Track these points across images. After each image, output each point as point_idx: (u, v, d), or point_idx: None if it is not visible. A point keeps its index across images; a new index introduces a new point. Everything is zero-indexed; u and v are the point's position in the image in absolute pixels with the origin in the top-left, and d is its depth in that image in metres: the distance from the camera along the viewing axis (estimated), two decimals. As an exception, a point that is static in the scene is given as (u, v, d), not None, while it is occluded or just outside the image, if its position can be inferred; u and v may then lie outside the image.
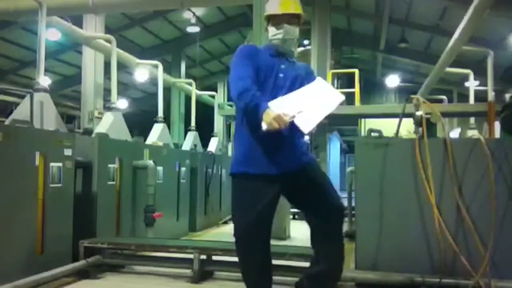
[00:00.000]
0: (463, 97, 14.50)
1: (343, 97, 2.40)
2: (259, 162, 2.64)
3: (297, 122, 2.37)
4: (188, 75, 17.55)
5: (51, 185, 4.11)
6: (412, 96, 4.07)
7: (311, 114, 2.38)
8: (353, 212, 6.31)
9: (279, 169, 2.64)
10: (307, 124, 2.36)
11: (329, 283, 2.79)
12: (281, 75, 2.71)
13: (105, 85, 11.51)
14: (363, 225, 4.07)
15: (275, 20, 2.78)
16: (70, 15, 10.23)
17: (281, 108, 2.38)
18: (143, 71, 13.73)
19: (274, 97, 2.56)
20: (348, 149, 22.37)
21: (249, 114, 2.57)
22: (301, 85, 2.69)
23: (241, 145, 2.74)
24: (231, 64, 2.76)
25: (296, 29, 2.80)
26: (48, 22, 7.54)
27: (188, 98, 15.17)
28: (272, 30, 2.79)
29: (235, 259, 3.91)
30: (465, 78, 12.71)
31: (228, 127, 13.37)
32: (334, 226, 2.73)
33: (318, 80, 2.63)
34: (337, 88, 13.28)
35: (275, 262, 3.98)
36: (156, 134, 8.03)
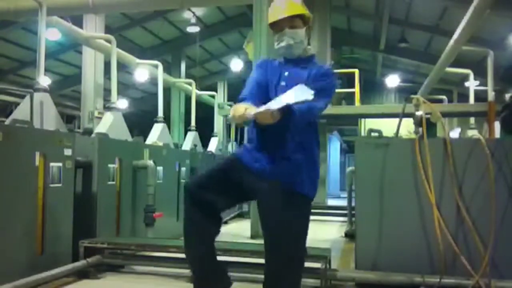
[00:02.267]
0: (463, 97, 14.49)
1: (311, 96, 2.20)
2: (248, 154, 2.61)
3: (257, 110, 2.25)
4: (188, 75, 17.55)
5: (51, 185, 4.11)
6: (412, 96, 4.07)
7: (271, 105, 2.25)
8: (353, 212, 6.31)
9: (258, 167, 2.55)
10: (262, 108, 2.24)
11: None
12: (283, 83, 2.60)
13: (105, 85, 11.51)
14: (363, 225, 4.07)
15: (275, 27, 2.64)
16: (70, 15, 10.24)
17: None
18: (143, 71, 13.73)
19: None
20: (348, 149, 22.37)
21: None
22: None
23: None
24: None
25: (298, 31, 2.61)
26: (48, 22, 7.55)
27: (188, 98, 15.18)
28: (275, 38, 2.66)
29: (235, 259, 3.93)
30: (465, 78, 12.71)
31: (228, 127, 13.37)
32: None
33: (299, 85, 2.35)
34: (337, 88, 13.29)
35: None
36: (156, 134, 8.03)
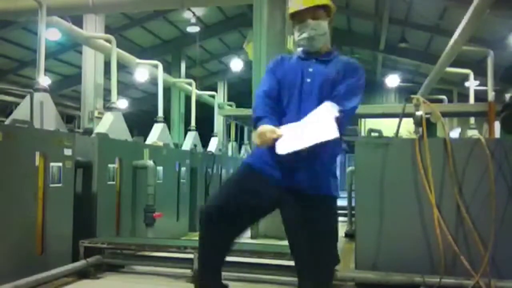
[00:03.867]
0: (463, 97, 14.50)
1: (336, 135, 2.15)
2: (266, 160, 2.40)
3: (277, 142, 2.26)
4: (188, 75, 17.54)
5: (51, 185, 4.11)
6: (412, 96, 4.07)
7: (295, 140, 2.23)
8: (353, 212, 6.31)
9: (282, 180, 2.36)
10: (283, 147, 2.23)
11: None
12: (308, 80, 2.42)
13: (105, 85, 11.51)
14: (363, 225, 4.07)
15: (297, 17, 2.47)
16: (70, 15, 10.23)
17: (286, 131, 2.27)
18: (143, 71, 13.72)
19: (301, 105, 2.37)
20: (348, 149, 22.31)
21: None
22: (332, 88, 2.39)
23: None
24: None
25: (322, 23, 2.45)
26: (48, 22, 7.53)
27: (188, 98, 15.16)
28: (296, 30, 2.49)
29: (235, 259, 3.93)
30: (465, 78, 12.70)
31: (228, 127, 13.36)
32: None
33: (326, 105, 2.27)
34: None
35: (276, 262, 4.02)
36: (156, 134, 8.03)
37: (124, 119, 7.03)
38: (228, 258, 2.52)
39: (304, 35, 2.45)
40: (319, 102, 2.31)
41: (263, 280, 4.05)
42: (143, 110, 21.66)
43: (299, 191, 2.32)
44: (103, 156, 5.00)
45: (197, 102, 11.57)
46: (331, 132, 2.15)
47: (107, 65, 10.33)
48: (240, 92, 17.18)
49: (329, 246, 2.36)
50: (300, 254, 2.34)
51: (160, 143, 7.06)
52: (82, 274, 4.16)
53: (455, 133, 12.93)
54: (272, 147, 2.27)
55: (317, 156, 2.29)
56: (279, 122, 2.35)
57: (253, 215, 2.55)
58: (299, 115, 2.33)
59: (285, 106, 2.44)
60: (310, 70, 2.45)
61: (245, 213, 2.42)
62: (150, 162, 5.62)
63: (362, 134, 8.72)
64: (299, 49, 2.56)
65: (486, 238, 3.63)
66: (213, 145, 10.89)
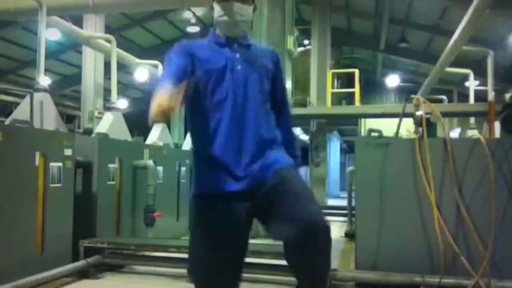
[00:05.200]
0: (463, 97, 14.51)
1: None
2: (214, 176, 1.97)
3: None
4: (188, 75, 17.53)
5: (51, 185, 4.11)
6: (412, 96, 4.07)
7: None
8: (353, 212, 6.31)
9: (244, 182, 1.94)
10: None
11: None
12: (239, 67, 2.03)
13: (105, 85, 11.52)
14: (363, 225, 4.06)
15: None
16: (70, 15, 10.23)
17: None
18: (143, 71, 13.72)
19: (234, 99, 1.98)
20: (348, 149, 22.36)
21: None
22: (273, 80, 2.14)
23: (194, 161, 2.13)
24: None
25: (249, 8, 2.10)
26: (48, 22, 7.54)
27: (188, 98, 15.15)
28: (217, 9, 2.09)
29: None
30: (465, 78, 12.72)
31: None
32: (311, 254, 1.84)
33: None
34: (337, 88, 13.32)
35: (276, 262, 4.01)
36: (156, 134, 8.03)
37: (124, 119, 7.04)
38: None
39: (225, 18, 2.07)
40: (261, 93, 2.05)
41: (263, 280, 4.04)
42: (143, 110, 21.59)
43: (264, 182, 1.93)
44: (103, 156, 5.00)
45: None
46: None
47: (107, 65, 10.34)
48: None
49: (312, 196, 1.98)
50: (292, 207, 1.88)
51: (160, 143, 7.06)
52: (82, 274, 4.17)
53: (455, 133, 12.94)
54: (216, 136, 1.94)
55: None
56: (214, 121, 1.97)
57: (240, 251, 2.05)
58: (243, 113, 1.98)
59: (213, 99, 1.99)
60: (237, 55, 2.06)
61: (234, 262, 2.02)
62: (150, 162, 5.62)
63: (362, 134, 8.72)
64: (214, 33, 2.15)
65: (486, 238, 3.63)
66: (213, 145, 10.87)
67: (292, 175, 1.99)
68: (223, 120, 1.97)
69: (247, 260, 2.06)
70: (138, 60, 11.67)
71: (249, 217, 1.98)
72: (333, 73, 12.06)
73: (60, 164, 4.22)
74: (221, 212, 1.95)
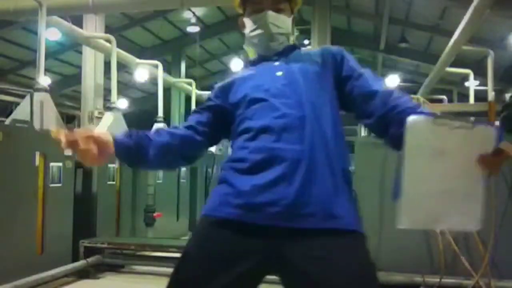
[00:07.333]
0: (463, 97, 14.49)
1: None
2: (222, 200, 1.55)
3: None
4: (188, 75, 17.53)
5: (51, 185, 4.11)
6: (412, 96, 4.07)
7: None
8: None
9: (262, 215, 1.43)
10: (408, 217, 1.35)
11: None
12: (278, 73, 1.61)
13: (105, 85, 11.50)
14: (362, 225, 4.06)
15: (252, 6, 1.73)
16: (70, 15, 10.23)
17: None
18: (143, 71, 13.71)
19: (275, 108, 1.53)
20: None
21: None
22: (319, 83, 1.64)
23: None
24: None
25: (286, 19, 1.71)
26: (48, 22, 7.53)
27: (188, 98, 15.17)
28: (248, 23, 1.75)
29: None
30: (465, 78, 12.70)
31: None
32: None
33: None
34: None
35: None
36: (156, 134, 8.03)
37: (124, 119, 7.04)
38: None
39: (259, 31, 1.71)
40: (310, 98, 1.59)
41: (264, 280, 4.04)
42: (143, 110, 21.65)
43: (305, 228, 1.42)
44: (103, 156, 5.00)
45: (197, 102, 11.58)
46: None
47: (107, 65, 10.32)
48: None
49: None
50: None
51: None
52: (82, 274, 4.17)
53: (455, 133, 12.92)
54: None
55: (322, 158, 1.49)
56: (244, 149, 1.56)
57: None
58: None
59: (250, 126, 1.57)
60: (277, 64, 1.67)
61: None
62: (150, 162, 5.61)
63: (362, 134, 8.71)
64: (249, 50, 1.84)
65: (486, 238, 3.63)
66: (213, 145, 10.89)
67: (350, 254, 1.46)
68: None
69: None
70: (138, 60, 11.65)
71: (257, 266, 1.54)
72: (333, 73, 12.06)
73: (60, 164, 4.22)
74: (208, 238, 1.53)
